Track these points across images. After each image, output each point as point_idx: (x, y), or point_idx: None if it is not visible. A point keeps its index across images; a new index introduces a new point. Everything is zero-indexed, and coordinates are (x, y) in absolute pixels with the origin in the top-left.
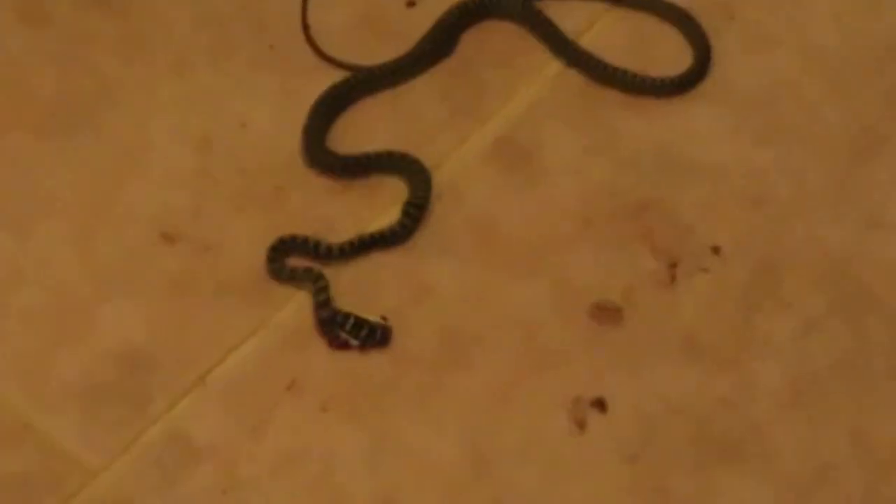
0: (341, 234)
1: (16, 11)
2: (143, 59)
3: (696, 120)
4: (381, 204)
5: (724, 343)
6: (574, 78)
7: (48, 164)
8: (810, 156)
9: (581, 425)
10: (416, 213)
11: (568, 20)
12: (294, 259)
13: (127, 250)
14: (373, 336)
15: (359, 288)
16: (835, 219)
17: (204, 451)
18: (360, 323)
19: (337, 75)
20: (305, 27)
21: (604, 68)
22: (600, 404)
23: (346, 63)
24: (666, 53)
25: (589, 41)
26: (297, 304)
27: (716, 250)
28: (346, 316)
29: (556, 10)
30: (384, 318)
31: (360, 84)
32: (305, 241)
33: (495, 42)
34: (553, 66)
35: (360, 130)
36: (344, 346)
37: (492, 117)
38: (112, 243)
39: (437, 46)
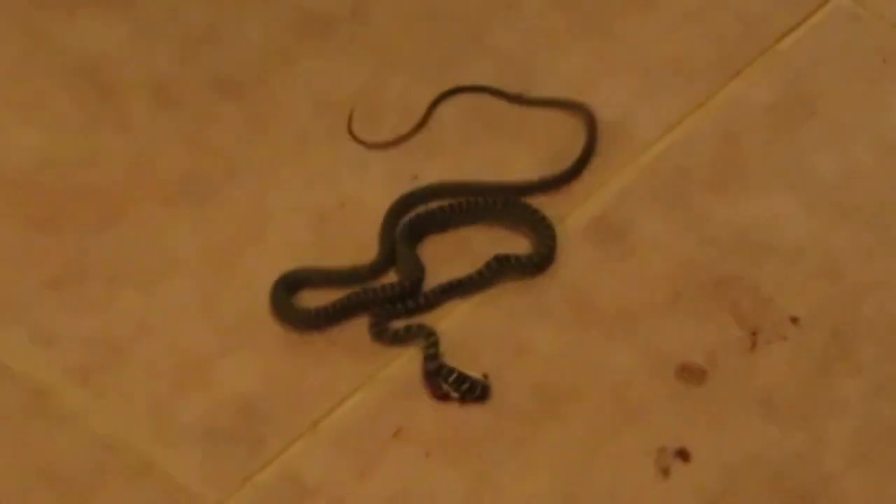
0: None
1: (150, 96)
2: (264, 140)
3: (777, 203)
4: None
5: (799, 402)
6: (665, 164)
7: (176, 231)
8: (881, 236)
9: (665, 473)
10: (496, 265)
11: None
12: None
13: (245, 309)
14: (473, 391)
15: (463, 346)
16: None
17: (313, 491)
18: (462, 378)
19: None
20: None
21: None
22: (683, 454)
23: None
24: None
25: None
26: (405, 359)
27: (794, 320)
28: (451, 371)
29: None
30: (485, 376)
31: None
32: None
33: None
34: (648, 154)
35: None
36: (445, 398)
37: (589, 198)
38: (232, 303)
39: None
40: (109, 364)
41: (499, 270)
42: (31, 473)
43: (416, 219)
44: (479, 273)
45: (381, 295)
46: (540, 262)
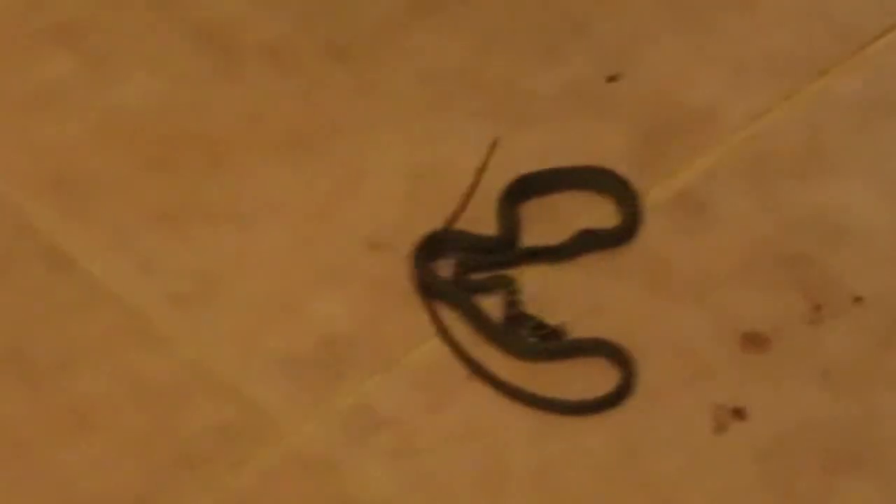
0: None
1: (266, 58)
2: (368, 103)
3: (853, 190)
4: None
5: (855, 375)
6: (749, 148)
7: (278, 179)
8: None
9: (721, 428)
10: (581, 240)
11: None
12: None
13: (337, 253)
14: (550, 337)
15: (541, 300)
16: None
17: (386, 422)
18: (541, 325)
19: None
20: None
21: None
22: (740, 413)
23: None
24: None
25: None
26: (486, 307)
27: (858, 299)
28: (531, 317)
29: None
30: (562, 324)
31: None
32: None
33: (680, 114)
34: (733, 138)
35: None
36: None
37: (674, 175)
38: (325, 246)
39: None
40: (205, 294)
41: (583, 244)
42: (122, 389)
43: (517, 181)
44: (565, 245)
45: (477, 243)
46: (622, 236)
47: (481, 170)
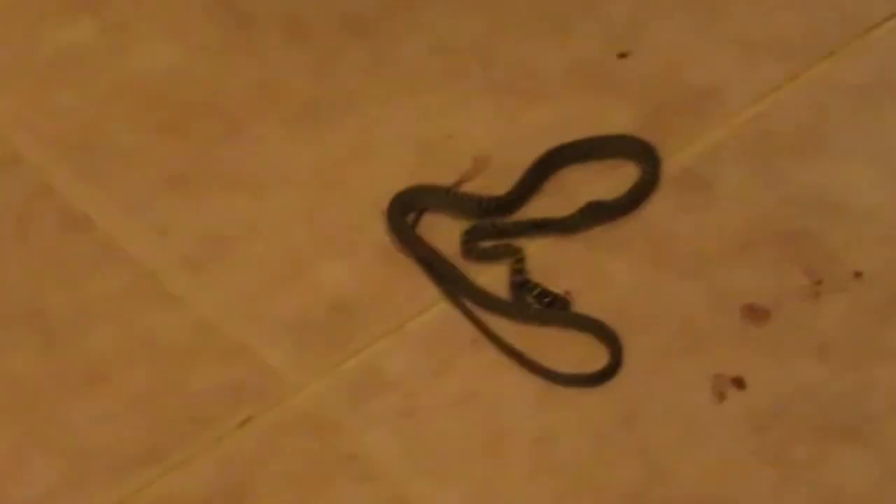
0: None
1: (282, 29)
2: (382, 75)
3: (855, 171)
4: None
5: (852, 348)
6: (753, 128)
7: (291, 148)
8: None
9: (720, 397)
10: (590, 212)
11: None
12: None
13: (347, 221)
14: (554, 305)
15: (545, 270)
16: None
17: (391, 383)
18: (545, 292)
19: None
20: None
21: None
22: (739, 382)
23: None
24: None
25: None
26: (490, 275)
27: (857, 275)
28: (536, 285)
29: None
30: (567, 293)
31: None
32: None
33: (687, 92)
34: (738, 117)
35: None
36: None
37: (678, 152)
38: (335, 213)
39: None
40: (216, 257)
41: (591, 216)
42: (134, 346)
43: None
44: (573, 217)
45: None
46: (629, 205)
47: (459, 181)
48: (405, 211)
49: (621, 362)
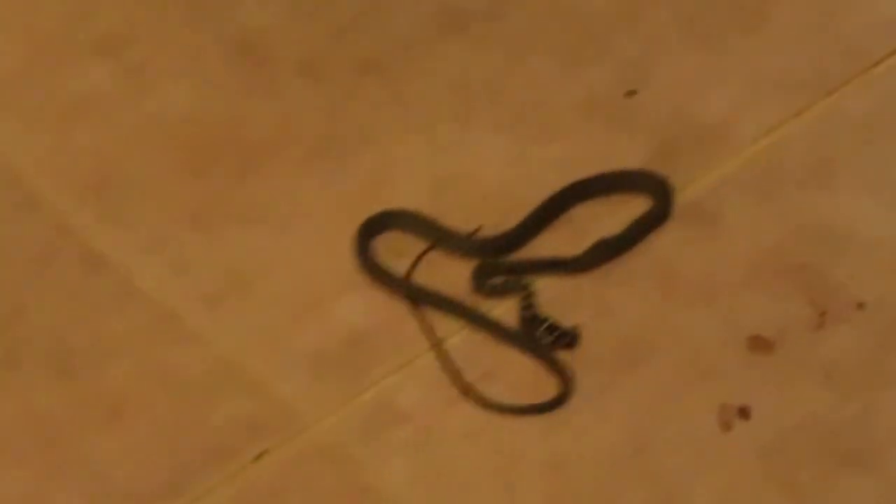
0: None
1: (299, 69)
2: (396, 113)
3: (860, 203)
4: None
5: (857, 377)
6: (760, 161)
7: (308, 184)
8: None
9: (726, 427)
10: (599, 251)
11: None
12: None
13: None
14: (563, 338)
15: (553, 302)
16: None
17: (405, 415)
18: (554, 326)
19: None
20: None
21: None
22: (745, 412)
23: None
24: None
25: None
26: (502, 310)
27: (860, 305)
28: (545, 319)
29: None
30: (575, 327)
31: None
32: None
33: (694, 128)
34: (745, 152)
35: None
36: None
37: (687, 186)
38: (350, 248)
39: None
40: (234, 293)
41: (602, 254)
42: (153, 383)
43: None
44: (584, 256)
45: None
46: (636, 235)
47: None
48: (376, 232)
49: (569, 393)
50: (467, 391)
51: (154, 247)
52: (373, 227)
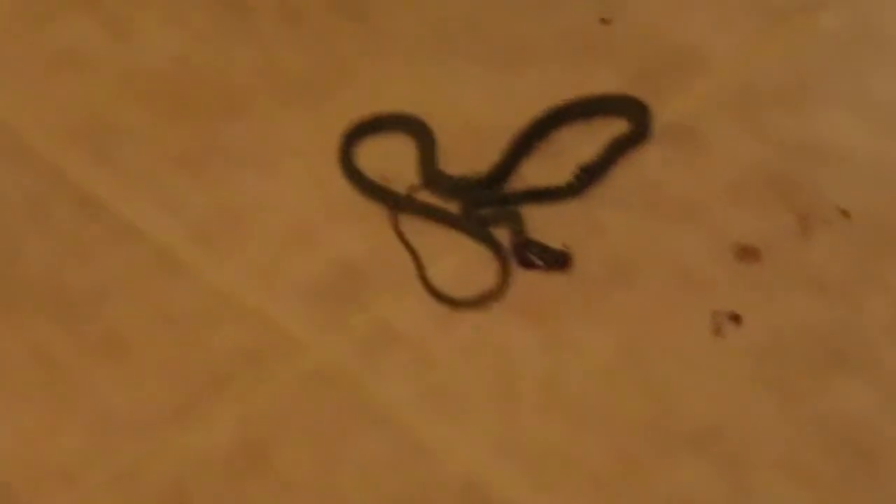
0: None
1: (276, 12)
2: (376, 51)
3: (836, 116)
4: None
5: (844, 281)
6: (736, 80)
7: (293, 124)
8: None
9: (718, 332)
10: (585, 177)
11: None
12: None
13: (351, 189)
14: (556, 260)
15: (543, 224)
16: None
17: (402, 336)
18: (546, 248)
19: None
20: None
21: None
22: (736, 318)
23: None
24: None
25: None
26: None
27: (844, 213)
28: (537, 243)
29: None
30: (565, 247)
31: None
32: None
33: (670, 52)
34: (721, 72)
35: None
36: (531, 266)
37: (666, 107)
38: (338, 182)
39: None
40: (228, 229)
41: (586, 180)
42: (153, 316)
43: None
44: (569, 185)
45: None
46: (619, 151)
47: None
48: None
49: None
50: (422, 273)
51: (146, 188)
52: (360, 131)
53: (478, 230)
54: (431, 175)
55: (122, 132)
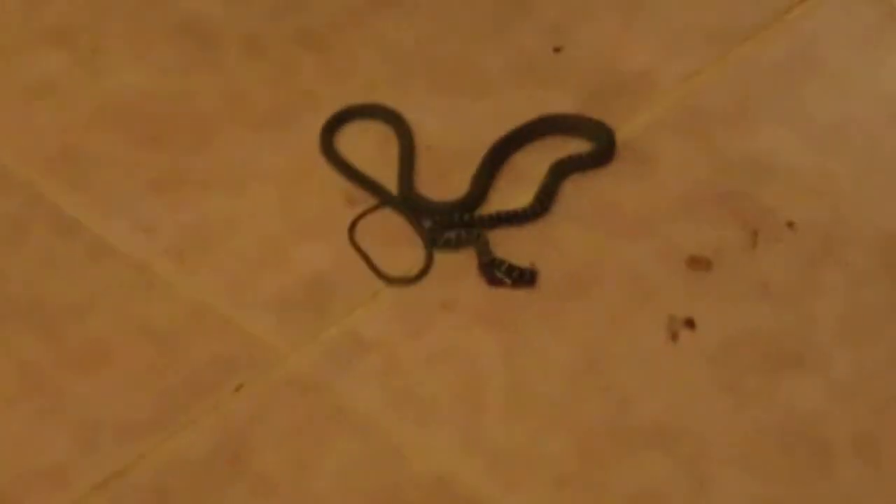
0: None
1: (241, 46)
2: (338, 80)
3: (780, 136)
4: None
5: (792, 288)
6: (684, 104)
7: (260, 150)
8: (869, 163)
9: (674, 337)
10: (547, 201)
11: None
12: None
13: (319, 209)
14: (523, 277)
15: (506, 241)
16: (887, 203)
17: (371, 346)
18: (513, 267)
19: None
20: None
21: None
22: (690, 323)
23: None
24: None
25: None
26: (461, 258)
27: (790, 224)
28: (503, 262)
29: None
30: (532, 265)
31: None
32: (456, 217)
33: (620, 78)
34: (669, 96)
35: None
36: (499, 283)
37: (620, 129)
38: (307, 203)
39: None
40: (200, 248)
41: (548, 200)
42: (131, 330)
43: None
44: (532, 207)
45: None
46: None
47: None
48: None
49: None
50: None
51: (121, 210)
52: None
53: (407, 214)
54: (408, 196)
55: (97, 159)
